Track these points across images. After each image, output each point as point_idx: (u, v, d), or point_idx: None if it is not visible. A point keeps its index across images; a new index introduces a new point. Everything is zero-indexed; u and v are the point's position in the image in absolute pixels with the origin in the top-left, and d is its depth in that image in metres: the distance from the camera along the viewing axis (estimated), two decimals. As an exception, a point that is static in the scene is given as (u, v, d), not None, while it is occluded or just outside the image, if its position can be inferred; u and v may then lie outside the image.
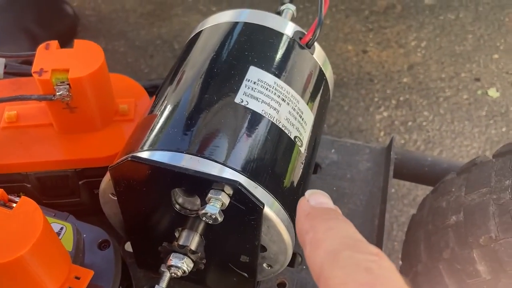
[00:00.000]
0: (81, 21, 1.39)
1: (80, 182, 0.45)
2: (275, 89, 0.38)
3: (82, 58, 0.41)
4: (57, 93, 0.40)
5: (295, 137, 0.37)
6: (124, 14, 1.45)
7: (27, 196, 0.42)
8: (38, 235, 0.30)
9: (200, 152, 0.33)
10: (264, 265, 0.39)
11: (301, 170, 0.38)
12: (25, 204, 0.32)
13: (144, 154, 0.33)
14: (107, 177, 0.36)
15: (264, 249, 0.37)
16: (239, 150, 0.34)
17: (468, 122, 1.18)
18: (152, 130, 0.36)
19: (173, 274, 0.36)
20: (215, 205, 0.31)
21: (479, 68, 1.30)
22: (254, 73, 0.38)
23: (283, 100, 0.38)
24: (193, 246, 0.36)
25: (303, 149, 0.38)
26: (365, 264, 0.23)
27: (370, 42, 1.33)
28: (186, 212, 0.35)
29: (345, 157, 0.55)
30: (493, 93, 1.23)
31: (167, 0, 1.50)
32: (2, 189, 0.32)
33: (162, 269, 0.41)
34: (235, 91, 0.36)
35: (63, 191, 0.45)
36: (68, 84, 0.40)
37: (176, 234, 0.37)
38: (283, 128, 0.37)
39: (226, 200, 0.31)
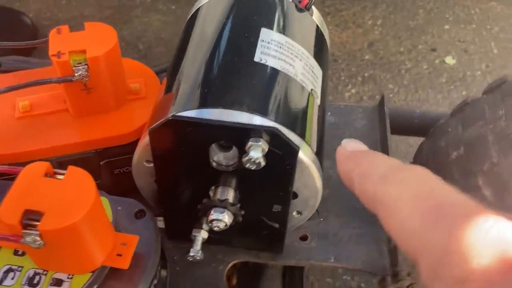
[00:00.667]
0: (40, 32, 1.37)
1: (101, 163, 0.46)
2: (287, 47, 0.40)
3: (96, 38, 0.42)
4: (76, 74, 0.41)
5: (311, 89, 0.40)
6: (83, 20, 1.44)
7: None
8: (93, 200, 0.32)
9: (234, 106, 0.35)
10: (294, 213, 0.41)
11: (320, 120, 0.41)
12: (75, 173, 0.33)
13: (184, 113, 0.35)
14: (143, 143, 0.37)
15: (295, 195, 0.39)
16: (269, 101, 0.36)
17: (431, 89, 1.24)
18: (181, 96, 0.37)
19: (216, 228, 0.38)
20: (257, 150, 0.33)
21: (434, 39, 1.37)
22: (266, 34, 0.40)
23: (296, 57, 0.40)
24: (231, 200, 0.38)
25: (318, 101, 0.41)
26: (415, 178, 0.25)
27: (329, 25, 1.38)
28: (222, 168, 0.37)
29: (341, 118, 0.58)
30: (449, 60, 1.30)
31: (125, 3, 1.50)
32: (48, 162, 0.33)
33: (194, 234, 0.43)
34: (253, 52, 0.39)
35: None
36: (86, 64, 0.41)
37: (211, 193, 0.39)
38: (300, 82, 0.39)
39: (266, 146, 0.34)
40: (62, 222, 0.30)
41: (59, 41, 0.42)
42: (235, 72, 0.38)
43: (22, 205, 0.31)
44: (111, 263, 0.36)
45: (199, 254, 0.42)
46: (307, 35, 0.44)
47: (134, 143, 0.45)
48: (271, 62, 0.39)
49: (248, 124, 0.34)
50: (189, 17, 0.47)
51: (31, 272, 0.36)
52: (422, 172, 0.26)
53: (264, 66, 0.38)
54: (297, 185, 0.38)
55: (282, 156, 0.35)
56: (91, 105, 0.45)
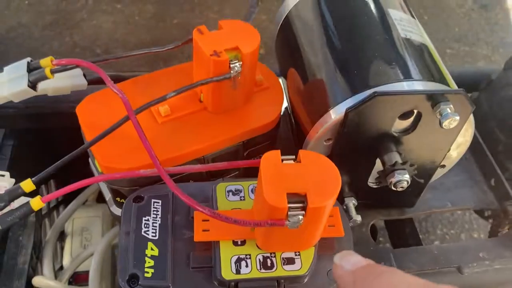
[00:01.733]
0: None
1: (245, 154, 0.48)
2: (412, 22, 0.46)
3: (239, 35, 0.44)
4: (232, 71, 0.43)
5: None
6: (24, 30, 1.36)
7: (194, 179, 0.45)
8: (339, 177, 0.35)
9: (417, 77, 0.40)
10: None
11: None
12: (308, 155, 0.35)
13: (383, 88, 0.39)
14: (331, 124, 0.40)
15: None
16: (434, 69, 0.42)
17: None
18: (350, 77, 0.41)
19: (400, 188, 0.43)
20: (449, 110, 0.39)
21: None
22: (395, 13, 0.45)
23: (416, 26, 0.46)
24: (401, 162, 0.43)
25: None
26: None
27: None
28: (398, 135, 0.42)
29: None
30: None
31: (65, 7, 1.43)
32: (278, 150, 0.36)
33: (346, 202, 0.47)
34: (396, 29, 0.44)
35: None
36: (240, 61, 0.43)
37: (385, 158, 0.43)
38: (433, 48, 0.45)
39: (451, 108, 0.39)
40: (325, 199, 0.33)
41: (207, 41, 0.43)
42: (395, 46, 0.42)
43: (282, 190, 0.33)
44: (329, 234, 0.39)
45: (358, 218, 0.46)
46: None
47: (272, 131, 0.48)
48: (412, 37, 0.44)
49: (442, 90, 0.39)
50: (285, 14, 0.51)
51: (260, 257, 0.38)
52: None
53: (410, 40, 0.44)
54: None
55: (461, 116, 0.40)
56: (233, 101, 0.46)
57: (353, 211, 0.47)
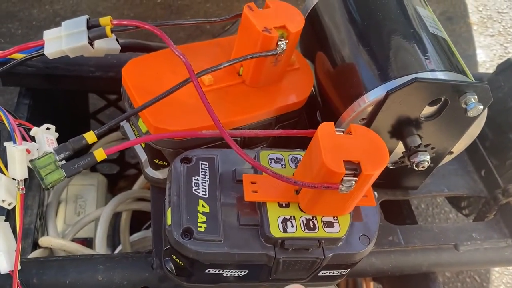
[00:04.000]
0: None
1: (276, 127, 0.51)
2: (435, 20, 0.51)
3: (286, 15, 0.47)
4: (278, 48, 0.46)
5: (457, 55, 0.52)
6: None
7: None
8: (386, 148, 0.38)
9: (447, 68, 0.45)
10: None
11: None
12: (359, 129, 0.39)
13: (423, 75, 0.43)
14: (367, 104, 0.44)
15: (457, 137, 0.51)
16: (458, 64, 0.47)
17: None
18: (383, 65, 0.46)
19: (421, 168, 0.47)
20: (473, 100, 0.44)
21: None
22: (422, 11, 0.50)
23: (440, 27, 0.51)
24: (424, 144, 0.47)
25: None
26: None
27: None
28: (424, 119, 0.46)
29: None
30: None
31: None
32: (332, 122, 0.39)
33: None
34: (425, 25, 0.48)
35: (261, 138, 0.51)
36: (286, 39, 0.46)
37: (408, 141, 0.48)
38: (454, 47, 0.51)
39: (475, 98, 0.44)
40: (376, 167, 0.37)
41: (257, 17, 0.46)
42: (430, 42, 0.47)
43: (339, 157, 0.37)
44: (364, 203, 0.44)
45: (375, 194, 0.51)
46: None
47: (301, 109, 0.52)
48: (438, 33, 0.49)
49: (469, 82, 0.44)
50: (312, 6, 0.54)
51: (303, 219, 0.41)
52: None
53: (437, 36, 0.48)
54: (465, 129, 0.49)
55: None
56: (271, 77, 0.49)
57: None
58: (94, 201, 0.77)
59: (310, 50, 0.56)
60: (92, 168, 0.80)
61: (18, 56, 0.47)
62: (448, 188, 0.59)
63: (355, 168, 0.37)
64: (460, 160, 0.62)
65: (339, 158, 0.37)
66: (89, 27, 0.43)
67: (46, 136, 0.43)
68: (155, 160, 0.48)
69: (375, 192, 0.51)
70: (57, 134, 0.44)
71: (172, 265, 0.44)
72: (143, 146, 0.49)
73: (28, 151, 0.42)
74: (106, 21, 0.43)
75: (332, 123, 0.39)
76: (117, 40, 0.53)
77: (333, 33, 0.52)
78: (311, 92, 0.53)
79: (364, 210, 0.45)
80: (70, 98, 0.73)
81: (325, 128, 0.38)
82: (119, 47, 0.53)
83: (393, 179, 0.54)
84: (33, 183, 0.65)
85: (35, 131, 0.44)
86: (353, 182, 0.37)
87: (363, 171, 0.37)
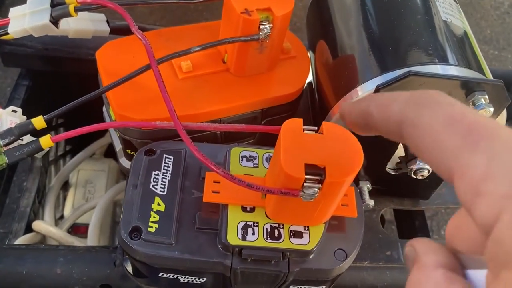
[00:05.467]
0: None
1: (262, 123, 0.46)
2: (453, 6, 0.44)
3: (273, -3, 0.42)
4: (261, 33, 0.41)
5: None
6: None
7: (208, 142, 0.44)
8: (362, 153, 0.33)
9: (453, 62, 0.38)
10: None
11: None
12: (331, 127, 0.34)
13: (418, 69, 0.37)
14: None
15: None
16: (473, 58, 0.40)
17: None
18: (381, 56, 0.40)
19: (420, 176, 0.41)
20: (483, 101, 0.37)
21: None
22: (438, -5, 0.43)
23: (458, 10, 0.44)
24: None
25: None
26: (444, 100, 0.24)
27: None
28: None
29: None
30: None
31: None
32: (301, 119, 0.34)
33: (361, 185, 0.46)
34: (438, 11, 0.42)
35: (244, 134, 0.46)
36: (270, 23, 0.41)
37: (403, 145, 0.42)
38: (474, 39, 0.43)
39: (486, 98, 0.37)
40: (344, 174, 0.32)
41: (239, -2, 0.41)
42: (436, 31, 0.40)
43: (301, 160, 0.32)
44: (342, 213, 0.38)
45: (371, 203, 0.45)
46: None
47: (293, 103, 0.46)
48: (452, 20, 0.42)
49: (478, 79, 0.37)
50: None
51: (268, 227, 0.37)
52: (444, 94, 0.25)
53: (450, 24, 0.41)
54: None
55: (494, 108, 0.38)
56: (257, 65, 0.45)
57: (366, 195, 0.45)
58: (103, 187, 0.76)
59: (313, 38, 0.50)
60: (106, 153, 0.79)
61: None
62: (467, 200, 0.51)
63: (319, 174, 0.32)
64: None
65: (300, 161, 0.32)
66: (54, 5, 0.40)
67: (10, 119, 0.41)
68: (127, 150, 0.45)
69: (371, 201, 0.45)
70: (24, 117, 0.42)
71: (130, 265, 0.41)
72: (118, 135, 0.46)
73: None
74: (72, -1, 0.40)
75: (301, 119, 0.34)
76: (107, 21, 0.51)
77: (334, 19, 0.46)
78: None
79: (350, 221, 0.40)
80: (77, 80, 0.72)
81: (290, 125, 0.33)
82: (108, 29, 0.50)
83: (398, 186, 0.48)
84: (34, 165, 0.64)
85: (-1, 112, 0.42)
86: (316, 189, 0.32)
87: (327, 178, 0.31)
